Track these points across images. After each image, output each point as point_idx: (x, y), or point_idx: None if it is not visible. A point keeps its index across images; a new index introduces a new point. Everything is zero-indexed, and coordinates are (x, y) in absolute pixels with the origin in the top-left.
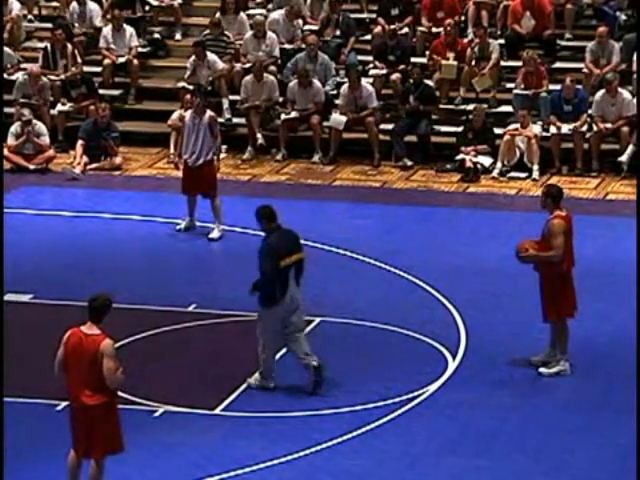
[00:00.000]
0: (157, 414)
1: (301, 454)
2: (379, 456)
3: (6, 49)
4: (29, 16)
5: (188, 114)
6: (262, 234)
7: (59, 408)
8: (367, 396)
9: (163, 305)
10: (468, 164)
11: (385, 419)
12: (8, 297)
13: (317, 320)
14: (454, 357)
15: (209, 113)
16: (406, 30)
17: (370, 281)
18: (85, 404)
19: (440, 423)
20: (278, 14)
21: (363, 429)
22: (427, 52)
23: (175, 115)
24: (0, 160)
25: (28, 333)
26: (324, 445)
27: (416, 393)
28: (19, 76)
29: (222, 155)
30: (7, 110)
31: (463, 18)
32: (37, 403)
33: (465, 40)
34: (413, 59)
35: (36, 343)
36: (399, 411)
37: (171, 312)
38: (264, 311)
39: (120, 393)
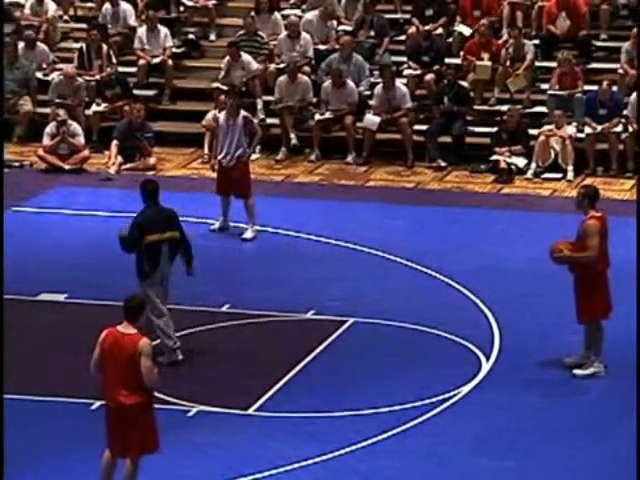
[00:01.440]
0: (191, 414)
1: (335, 454)
2: (411, 456)
3: (42, 46)
4: (65, 17)
5: (222, 115)
6: (294, 234)
7: (93, 407)
8: (401, 397)
9: (196, 305)
10: (502, 165)
11: (418, 420)
12: (43, 296)
13: (350, 320)
14: (487, 358)
15: (243, 113)
16: (440, 31)
17: (403, 282)
18: (122, 404)
19: (473, 424)
20: (312, 15)
21: (396, 430)
22: (461, 53)
23: (209, 115)
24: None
25: (63, 332)
26: (358, 445)
27: (450, 394)
28: (54, 76)
29: (256, 156)
30: (42, 110)
31: (498, 19)
32: (71, 402)
33: (500, 41)
34: (447, 60)
35: (70, 342)
36: (433, 412)
37: (204, 312)
38: (142, 283)
39: (155, 393)
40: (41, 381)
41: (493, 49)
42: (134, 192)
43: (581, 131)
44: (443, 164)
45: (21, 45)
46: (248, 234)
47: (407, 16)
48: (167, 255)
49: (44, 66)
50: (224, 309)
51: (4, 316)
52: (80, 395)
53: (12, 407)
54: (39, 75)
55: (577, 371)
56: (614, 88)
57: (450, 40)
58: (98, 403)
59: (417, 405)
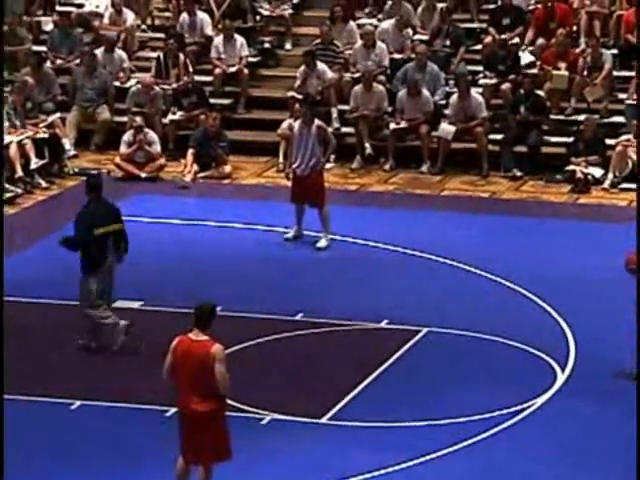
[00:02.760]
0: (264, 422)
1: (408, 464)
2: (486, 467)
3: (120, 53)
4: (142, 26)
5: (297, 124)
6: (368, 243)
7: (169, 414)
8: (475, 407)
9: (270, 313)
10: (578, 175)
11: (492, 431)
12: (119, 304)
13: (424, 330)
14: (563, 369)
15: (317, 122)
16: (517, 40)
17: (476, 292)
18: (195, 411)
19: (548, 435)
20: (388, 24)
21: (470, 440)
22: (538, 62)
23: (285, 124)
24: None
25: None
26: (432, 455)
27: (525, 405)
28: (132, 84)
29: (330, 165)
30: (120, 119)
31: (575, 28)
32: (147, 409)
33: (577, 50)
34: (524, 69)
35: (146, 349)
36: (507, 422)
37: (278, 320)
38: (87, 277)
39: (228, 400)
40: (116, 387)
41: (570, 58)
42: (209, 200)
43: None
44: (518, 174)
45: (100, 50)
46: (322, 243)
47: (483, 25)
48: (112, 247)
49: (121, 75)
50: (298, 317)
51: (79, 322)
52: (155, 402)
53: (87, 413)
54: (117, 84)
55: None
56: None
57: (531, 49)
58: (173, 410)
59: (491, 416)
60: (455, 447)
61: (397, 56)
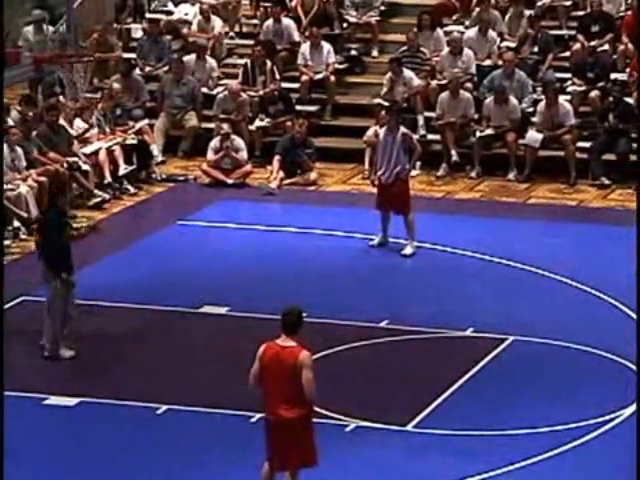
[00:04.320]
0: (349, 429)
1: (496, 472)
2: (573, 477)
3: (211, 61)
4: (230, 33)
5: (382, 131)
6: (454, 250)
7: (253, 420)
8: (561, 417)
9: (356, 320)
10: None
11: (579, 441)
12: (205, 309)
13: (510, 339)
14: None
15: (402, 130)
16: (606, 47)
17: (563, 300)
18: (282, 417)
19: (632, 448)
20: (473, 31)
21: (556, 451)
22: (628, 69)
23: (370, 131)
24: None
25: (224, 345)
26: (516, 465)
27: (612, 415)
28: (219, 92)
29: (416, 172)
30: (207, 125)
31: None
32: (231, 414)
33: None
34: (613, 76)
35: (232, 355)
36: (594, 433)
37: (364, 327)
38: (58, 282)
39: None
40: (202, 393)
41: None
42: (295, 207)
43: None
44: (607, 182)
45: (189, 57)
46: (408, 250)
47: (572, 32)
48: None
49: (209, 83)
50: (383, 325)
51: (167, 327)
52: (241, 407)
53: (172, 418)
54: (204, 90)
55: None
56: None
57: (615, 56)
58: (258, 416)
59: (579, 426)
60: (539, 458)
61: (484, 63)
